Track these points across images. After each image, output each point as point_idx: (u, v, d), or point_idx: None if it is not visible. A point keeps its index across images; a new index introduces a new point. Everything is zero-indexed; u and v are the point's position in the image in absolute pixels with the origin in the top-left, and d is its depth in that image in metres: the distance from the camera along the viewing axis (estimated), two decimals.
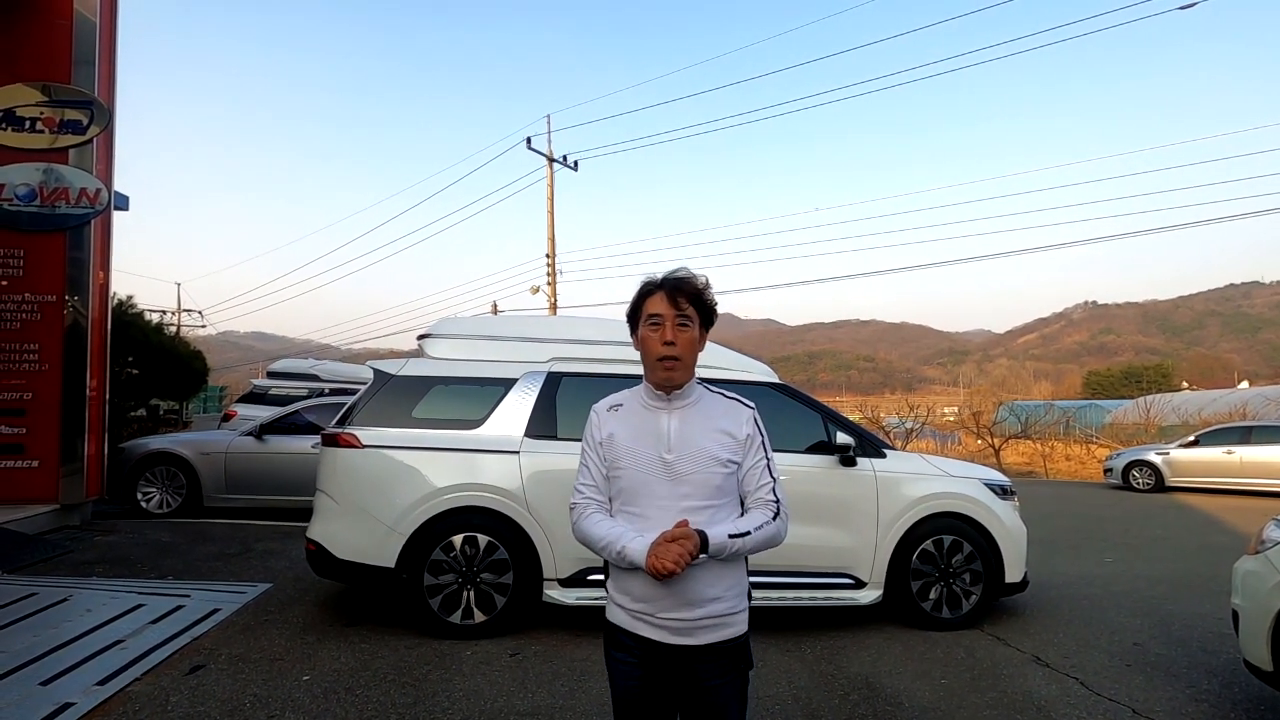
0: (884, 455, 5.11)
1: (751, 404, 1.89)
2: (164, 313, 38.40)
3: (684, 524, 1.67)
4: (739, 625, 1.80)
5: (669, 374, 1.78)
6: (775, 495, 1.81)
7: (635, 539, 1.71)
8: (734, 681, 1.79)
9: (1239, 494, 14.29)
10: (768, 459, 1.84)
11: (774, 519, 1.78)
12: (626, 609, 1.79)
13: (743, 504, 1.84)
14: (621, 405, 1.89)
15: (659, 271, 1.85)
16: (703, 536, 1.66)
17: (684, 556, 1.61)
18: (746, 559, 1.83)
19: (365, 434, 4.68)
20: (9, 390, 7.40)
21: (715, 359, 5.12)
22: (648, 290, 1.82)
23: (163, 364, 14.21)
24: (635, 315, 1.85)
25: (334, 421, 4.93)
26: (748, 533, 1.73)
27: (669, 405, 1.82)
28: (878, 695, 3.80)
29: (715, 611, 1.75)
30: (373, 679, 3.80)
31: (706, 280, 1.84)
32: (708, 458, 1.76)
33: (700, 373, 1.88)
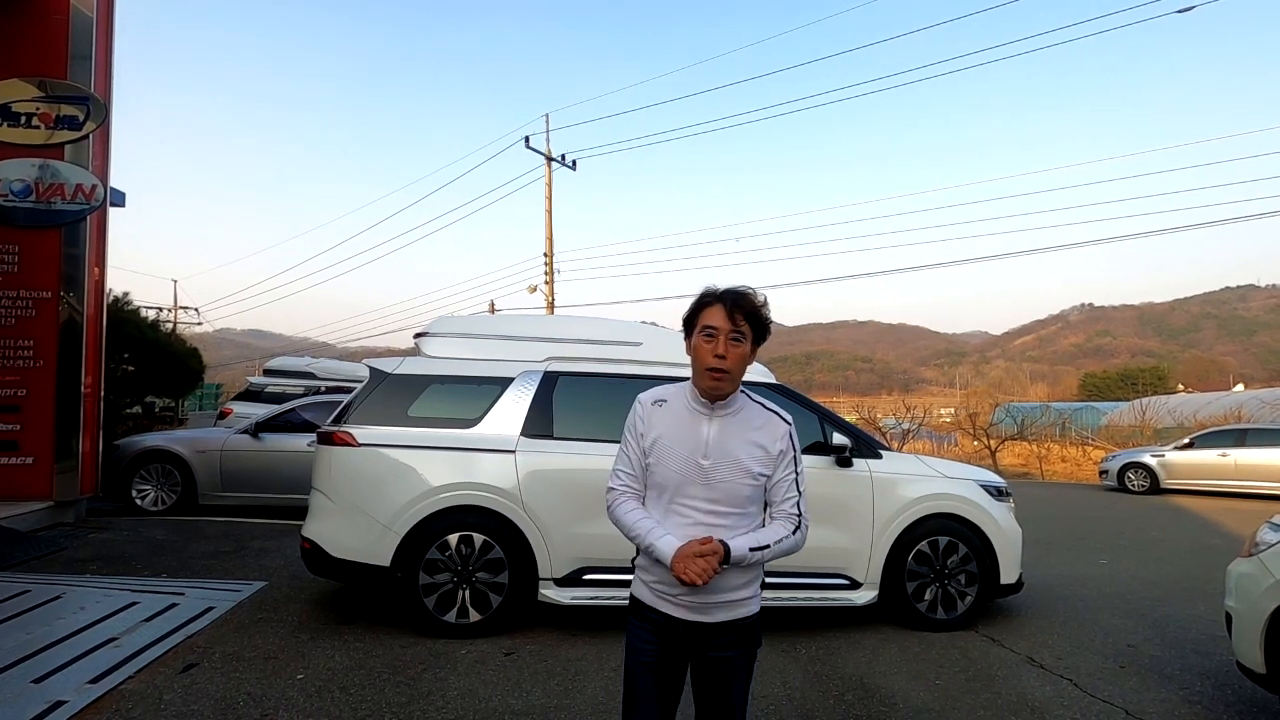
0: (880, 456, 5.11)
1: (789, 419, 1.96)
2: (160, 309, 38.22)
3: (709, 540, 1.77)
4: (752, 607, 1.93)
5: (716, 384, 1.85)
6: (799, 509, 1.91)
7: (664, 537, 1.83)
8: (744, 654, 1.93)
9: (1233, 496, 14.34)
10: (797, 473, 1.93)
11: (794, 532, 1.89)
12: (650, 586, 1.92)
13: (766, 510, 1.93)
14: (666, 401, 1.95)
15: (720, 283, 1.90)
16: (726, 548, 1.77)
17: (708, 571, 1.73)
18: None
19: (361, 432, 4.67)
20: (3, 387, 7.37)
21: None
22: (707, 301, 1.87)
23: (159, 361, 14.15)
24: (691, 323, 1.90)
25: (330, 419, 4.92)
26: (768, 546, 1.84)
27: (712, 412, 1.89)
28: (872, 696, 3.80)
29: (730, 598, 1.88)
30: (367, 678, 3.79)
31: (765, 299, 1.90)
32: (740, 469, 1.85)
33: None
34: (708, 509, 1.83)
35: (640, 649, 1.93)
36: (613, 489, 1.96)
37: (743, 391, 1.94)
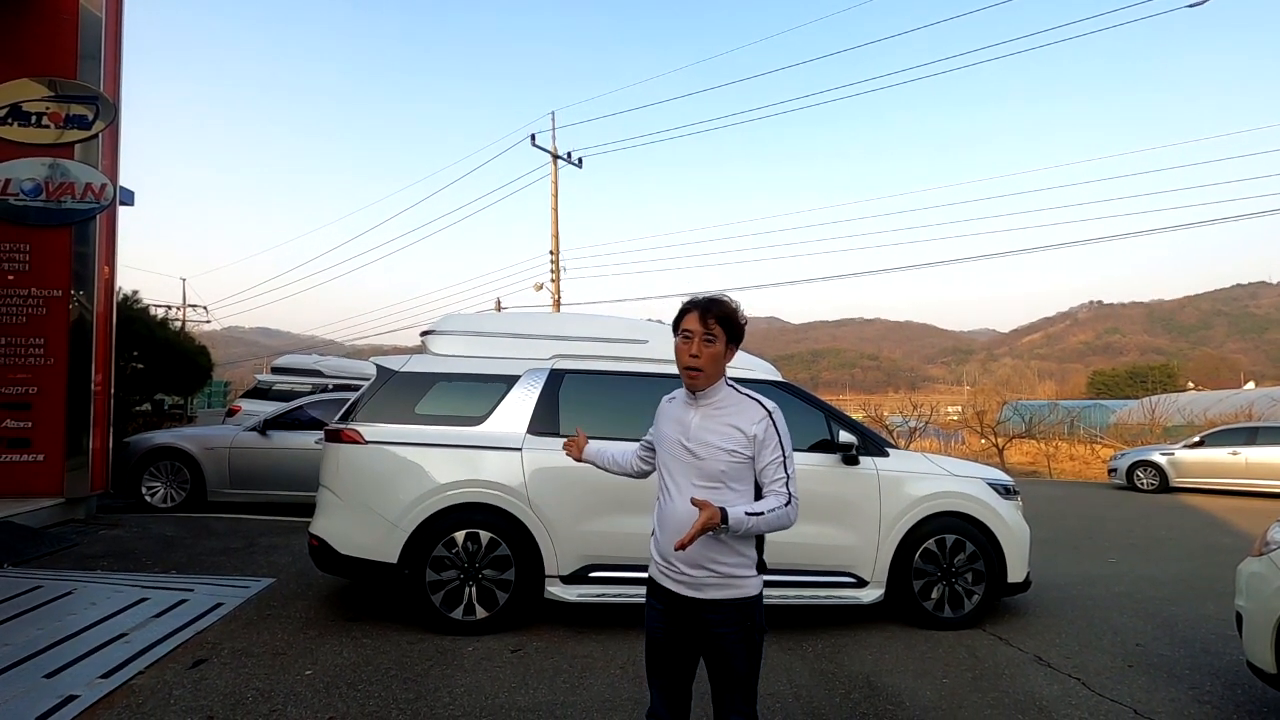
0: (887, 454, 5.10)
1: (769, 406, 2.18)
2: (169, 307, 38.53)
3: (706, 503, 1.99)
4: (746, 589, 2.14)
5: (692, 380, 2.17)
6: (788, 489, 2.12)
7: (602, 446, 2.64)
8: (740, 634, 2.12)
9: (1244, 495, 14.24)
10: (784, 456, 2.14)
11: (785, 505, 2.10)
12: (657, 564, 2.23)
13: (759, 491, 2.15)
14: (675, 398, 2.32)
15: (701, 293, 2.22)
16: (724, 513, 1.99)
17: (703, 528, 1.98)
18: (761, 542, 2.20)
19: (368, 430, 4.69)
20: (15, 384, 7.43)
21: None
22: (686, 308, 2.19)
23: (168, 359, 14.25)
24: (675, 328, 2.21)
25: (337, 417, 4.94)
26: (761, 513, 2.06)
27: (696, 403, 2.21)
28: (879, 694, 3.80)
29: (719, 572, 2.11)
30: (375, 674, 3.81)
31: (738, 305, 2.20)
32: (714, 447, 2.12)
33: None
34: (693, 481, 2.13)
35: (652, 625, 2.25)
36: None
37: (729, 384, 2.22)
